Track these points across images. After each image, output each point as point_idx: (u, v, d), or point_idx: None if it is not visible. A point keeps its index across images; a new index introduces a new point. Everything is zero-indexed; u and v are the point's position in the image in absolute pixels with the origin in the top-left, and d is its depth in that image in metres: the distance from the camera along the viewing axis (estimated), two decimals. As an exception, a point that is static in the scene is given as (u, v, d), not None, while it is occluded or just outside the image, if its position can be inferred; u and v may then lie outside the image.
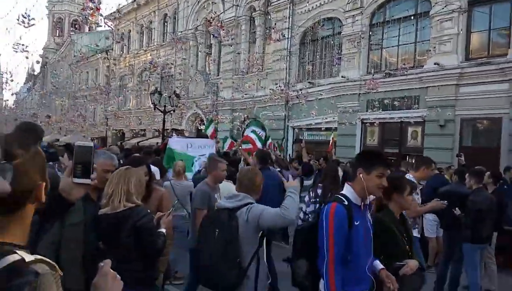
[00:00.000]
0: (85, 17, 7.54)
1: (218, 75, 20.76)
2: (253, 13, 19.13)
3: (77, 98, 33.91)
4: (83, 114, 32.14)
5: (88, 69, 36.22)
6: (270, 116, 16.61)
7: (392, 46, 14.11)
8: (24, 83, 59.68)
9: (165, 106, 13.93)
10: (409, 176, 3.96)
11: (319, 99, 14.84)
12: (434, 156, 11.44)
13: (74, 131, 30.10)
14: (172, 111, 15.13)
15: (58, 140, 22.53)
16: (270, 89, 15.72)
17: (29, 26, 7.98)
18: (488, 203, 4.53)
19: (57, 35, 51.23)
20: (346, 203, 2.31)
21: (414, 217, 4.04)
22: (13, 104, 56.62)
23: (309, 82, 15.92)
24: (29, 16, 8.05)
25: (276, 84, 15.79)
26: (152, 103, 14.30)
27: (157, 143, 15.93)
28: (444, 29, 12.27)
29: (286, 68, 16.78)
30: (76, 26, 50.36)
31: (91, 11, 7.27)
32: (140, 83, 27.15)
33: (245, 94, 18.03)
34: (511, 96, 10.78)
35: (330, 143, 11.95)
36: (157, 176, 6.25)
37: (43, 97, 39.54)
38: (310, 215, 4.74)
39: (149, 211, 2.73)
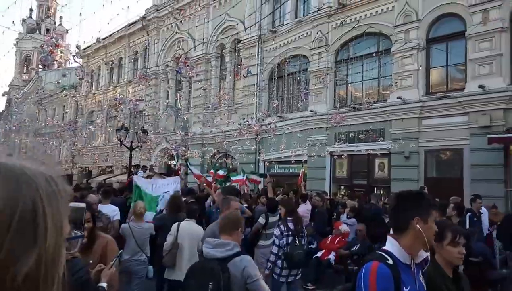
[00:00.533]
0: (46, 54, 7.39)
1: (188, 110, 20.72)
2: (223, 50, 19.48)
3: (42, 135, 32.89)
4: (47, 152, 31.10)
5: (55, 106, 35.43)
6: (240, 150, 16.58)
7: (357, 82, 14.60)
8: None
9: (131, 142, 13.65)
10: None
11: (288, 133, 15.00)
12: (400, 187, 11.70)
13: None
14: (139, 148, 14.81)
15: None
16: (238, 124, 15.77)
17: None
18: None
19: (24, 72, 50.40)
20: (390, 262, 1.80)
21: None
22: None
23: (278, 116, 16.11)
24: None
25: (243, 119, 15.88)
26: (118, 139, 13.97)
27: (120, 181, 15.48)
28: (405, 65, 12.84)
29: (255, 103, 16.97)
30: (44, 63, 49.78)
31: (50, 48, 7.12)
32: (108, 120, 26.70)
33: (215, 128, 18.00)
34: (471, 128, 11.22)
35: (300, 176, 11.97)
36: (117, 216, 5.99)
37: (4, 136, 38.15)
38: (284, 248, 4.86)
39: (91, 261, 2.48)
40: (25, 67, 50.96)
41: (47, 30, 51.54)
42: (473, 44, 11.43)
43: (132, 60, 26.17)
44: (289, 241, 4.85)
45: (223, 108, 18.53)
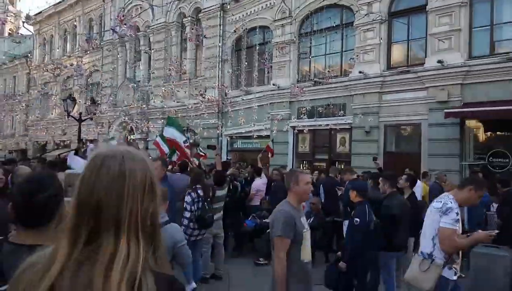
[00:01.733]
0: None
1: (148, 82, 19.88)
2: (183, 20, 18.62)
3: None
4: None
5: (6, 76, 33.16)
6: (203, 125, 16.15)
7: (320, 56, 14.38)
8: None
9: (80, 113, 12.86)
10: (449, 197, 3.14)
11: (251, 107, 14.69)
12: (360, 162, 11.82)
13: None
14: (90, 119, 14.04)
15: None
16: (201, 96, 15.27)
17: None
18: (401, 208, 4.43)
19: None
20: None
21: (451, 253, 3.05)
22: None
23: (241, 90, 15.72)
24: None
25: (202, 91, 15.38)
26: (64, 110, 13.13)
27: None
28: (367, 39, 12.71)
29: (217, 76, 16.44)
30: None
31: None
32: (64, 91, 25.27)
33: (177, 102, 17.39)
34: (429, 103, 11.35)
35: (267, 148, 11.81)
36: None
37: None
38: (195, 212, 5.30)
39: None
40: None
41: (-5, -7, 47.66)
42: (433, 18, 11.41)
43: (87, 28, 24.62)
44: (200, 206, 5.31)
45: (184, 80, 17.89)
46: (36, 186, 1.59)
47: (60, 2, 25.64)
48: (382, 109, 12.36)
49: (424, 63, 11.51)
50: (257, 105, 14.82)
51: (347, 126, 13.05)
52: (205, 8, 17.21)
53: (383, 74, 12.29)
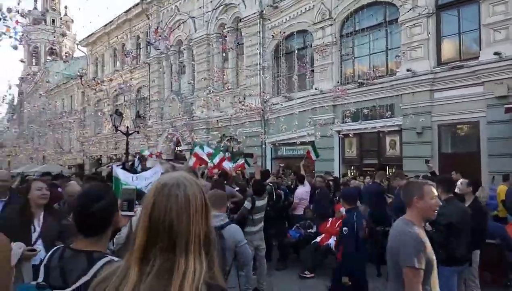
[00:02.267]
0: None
1: (192, 94, 20.24)
2: (224, 30, 18.80)
3: (53, 125, 32.98)
4: (59, 143, 31.26)
5: (64, 96, 35.41)
6: (245, 133, 16.09)
7: (364, 56, 13.81)
8: (6, 114, 58.49)
9: (127, 128, 13.24)
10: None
11: (294, 113, 14.38)
12: (412, 165, 11.08)
13: (48, 161, 29.04)
14: (137, 133, 14.44)
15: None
16: (243, 105, 15.23)
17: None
18: (460, 215, 3.91)
19: (34, 63, 50.52)
20: None
21: None
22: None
23: (283, 96, 15.49)
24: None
25: (241, 99, 15.30)
26: (112, 124, 13.60)
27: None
28: (414, 35, 12.01)
29: (259, 84, 16.33)
30: (52, 54, 49.85)
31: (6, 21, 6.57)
32: (115, 107, 26.43)
33: (220, 112, 17.49)
34: (487, 99, 10.45)
35: (307, 154, 11.43)
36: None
37: (19, 128, 38.50)
38: None
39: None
40: (33, 59, 51.06)
41: (53, 20, 51.43)
42: (486, 8, 10.53)
43: (135, 46, 25.67)
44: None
45: (226, 90, 18.00)
46: (93, 198, 1.79)
47: (109, 22, 26.96)
48: (434, 108, 11.56)
49: (479, 56, 10.62)
50: (299, 111, 14.49)
51: (396, 128, 12.36)
52: (245, 17, 17.25)
53: (434, 70, 11.51)
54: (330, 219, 6.65)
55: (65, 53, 50.95)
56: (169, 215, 1.08)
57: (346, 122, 13.40)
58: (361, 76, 13.67)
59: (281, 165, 15.25)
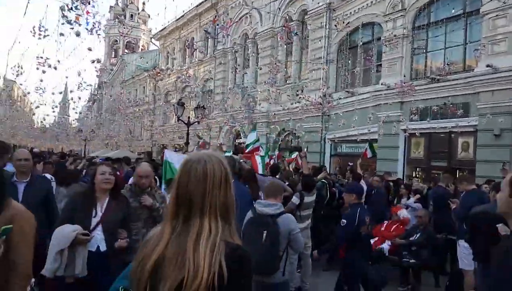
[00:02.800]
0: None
1: (255, 88, 20.30)
2: (290, 24, 18.53)
3: (126, 115, 35.13)
4: (131, 130, 33.26)
5: (137, 87, 37.57)
6: (305, 128, 15.76)
7: (438, 50, 12.77)
8: (86, 102, 63.78)
9: (189, 118, 13.59)
10: None
11: (358, 109, 13.73)
12: (486, 170, 10.02)
13: (120, 147, 31.03)
14: (197, 123, 14.76)
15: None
16: (297, 96, 14.90)
17: (43, 37, 7.91)
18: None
19: (112, 56, 54.29)
20: None
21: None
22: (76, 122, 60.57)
23: (346, 91, 14.89)
24: (43, 27, 8.02)
25: (299, 92, 14.92)
26: (175, 114, 14.01)
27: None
28: (497, 27, 10.82)
29: (322, 78, 15.85)
30: (129, 47, 53.18)
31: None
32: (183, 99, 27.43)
33: (280, 106, 17.30)
34: None
35: (365, 152, 10.81)
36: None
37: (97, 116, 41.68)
38: None
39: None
40: (113, 52, 54.83)
41: (131, 15, 54.72)
42: None
43: (203, 40, 26.35)
44: None
45: (288, 84, 17.77)
46: None
47: (181, 17, 27.96)
48: (516, 108, 10.34)
49: None
50: (362, 107, 13.82)
51: (470, 129, 11.26)
52: (311, 10, 16.83)
53: (519, 66, 10.28)
54: (386, 222, 6.16)
55: (142, 46, 54.14)
56: (189, 189, 1.31)
57: (413, 120, 12.51)
58: (434, 71, 12.65)
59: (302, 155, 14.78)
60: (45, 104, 32.19)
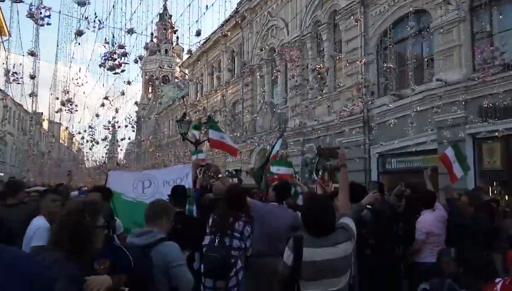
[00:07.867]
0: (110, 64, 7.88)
1: (285, 104, 18.21)
2: (319, 28, 16.49)
3: (161, 147, 34.31)
4: (164, 161, 32.26)
5: (170, 117, 36.92)
6: (345, 143, 13.31)
7: (507, 30, 10.08)
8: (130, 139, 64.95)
9: (199, 137, 11.67)
10: None
11: (407, 115, 11.13)
12: None
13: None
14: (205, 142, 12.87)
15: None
16: (342, 110, 12.57)
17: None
18: None
19: (150, 91, 54.92)
20: None
21: None
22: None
23: (391, 94, 12.36)
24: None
25: (330, 104, 12.55)
26: (179, 133, 12.18)
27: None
28: None
29: (361, 82, 13.42)
30: (165, 81, 53.65)
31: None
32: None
33: (314, 120, 14.98)
34: None
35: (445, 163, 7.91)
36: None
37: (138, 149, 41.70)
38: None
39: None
40: (150, 87, 55.56)
41: (166, 50, 55.44)
42: None
43: (230, 60, 24.96)
44: (208, 241, 3.73)
45: (322, 94, 15.52)
46: None
47: (206, 41, 26.89)
48: None
49: None
50: (416, 111, 11.17)
51: None
52: (342, 8, 14.69)
53: None
54: (498, 280, 3.12)
55: (175, 78, 54.42)
56: None
57: (484, 121, 9.72)
58: (505, 57, 9.89)
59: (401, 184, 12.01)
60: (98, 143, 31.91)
